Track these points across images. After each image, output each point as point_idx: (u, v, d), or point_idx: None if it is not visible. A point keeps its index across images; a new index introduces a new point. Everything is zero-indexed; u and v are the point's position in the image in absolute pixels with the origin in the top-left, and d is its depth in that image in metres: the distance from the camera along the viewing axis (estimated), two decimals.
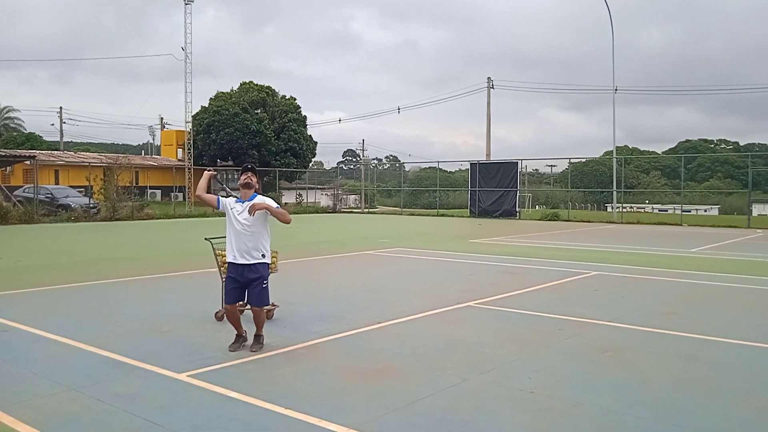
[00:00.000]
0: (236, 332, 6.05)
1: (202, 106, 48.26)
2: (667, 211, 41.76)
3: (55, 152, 48.74)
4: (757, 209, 35.84)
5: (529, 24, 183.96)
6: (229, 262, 5.94)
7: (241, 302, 6.16)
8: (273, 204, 5.90)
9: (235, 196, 6.08)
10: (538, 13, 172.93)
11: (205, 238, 7.79)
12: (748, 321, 7.53)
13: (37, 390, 4.77)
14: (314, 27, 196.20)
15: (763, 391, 4.98)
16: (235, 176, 50.41)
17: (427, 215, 36.40)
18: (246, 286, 5.91)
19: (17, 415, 4.21)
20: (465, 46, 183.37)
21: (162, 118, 64.16)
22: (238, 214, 5.87)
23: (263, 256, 5.92)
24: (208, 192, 6.39)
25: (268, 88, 49.78)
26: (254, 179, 5.98)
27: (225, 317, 7.10)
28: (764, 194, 44.31)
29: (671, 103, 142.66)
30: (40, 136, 57.86)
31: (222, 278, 7.31)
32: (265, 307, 6.15)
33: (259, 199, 5.93)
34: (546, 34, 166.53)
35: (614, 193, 34.13)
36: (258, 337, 6.02)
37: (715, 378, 5.30)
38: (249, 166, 6.07)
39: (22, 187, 32.52)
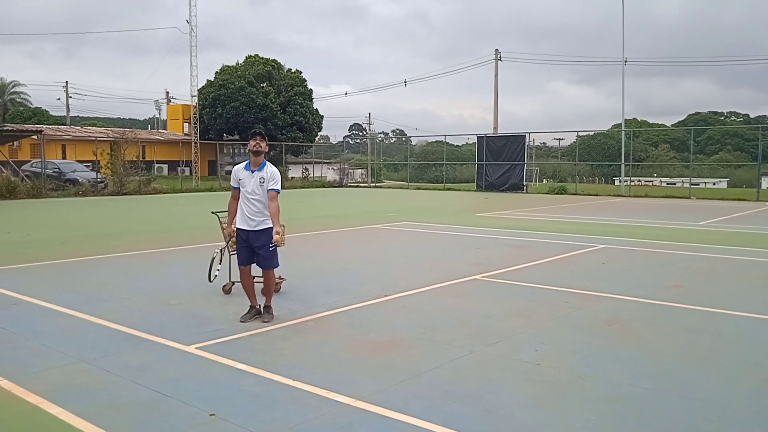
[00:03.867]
0: (250, 304, 6.12)
1: (208, 80, 48.09)
2: (675, 184, 41.43)
3: (62, 127, 48.80)
4: (766, 182, 35.48)
5: None
6: (237, 228, 6.00)
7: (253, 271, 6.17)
8: (277, 217, 5.86)
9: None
10: None
11: (213, 212, 7.81)
12: (755, 294, 7.50)
13: (48, 362, 4.82)
14: None
15: None
16: (242, 150, 50.53)
17: (434, 189, 36.33)
18: (254, 249, 5.97)
19: (28, 387, 4.26)
20: (474, 17, 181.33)
21: (168, 92, 63.88)
22: (247, 185, 5.88)
23: (267, 221, 5.92)
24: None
25: (274, 61, 49.44)
26: (263, 145, 5.90)
27: (230, 290, 7.17)
28: None
29: (682, 74, 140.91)
30: (47, 111, 57.79)
31: (229, 252, 7.35)
32: (275, 278, 6.15)
33: (269, 169, 5.92)
34: (557, 3, 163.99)
35: (622, 166, 33.90)
36: (268, 308, 6.09)
37: (721, 350, 5.30)
38: (258, 132, 5.95)
39: (29, 161, 32.61)
